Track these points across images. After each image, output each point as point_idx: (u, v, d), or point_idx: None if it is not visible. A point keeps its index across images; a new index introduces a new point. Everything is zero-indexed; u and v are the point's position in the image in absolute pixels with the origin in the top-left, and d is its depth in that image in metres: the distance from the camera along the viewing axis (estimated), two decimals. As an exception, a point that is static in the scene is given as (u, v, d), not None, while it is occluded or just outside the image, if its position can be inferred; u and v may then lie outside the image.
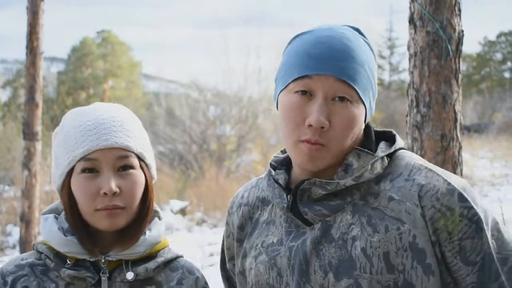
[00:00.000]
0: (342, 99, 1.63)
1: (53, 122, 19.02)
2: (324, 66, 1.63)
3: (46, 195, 14.08)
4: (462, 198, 1.61)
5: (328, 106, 1.63)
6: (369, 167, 1.66)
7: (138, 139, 1.88)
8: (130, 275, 1.85)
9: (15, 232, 14.17)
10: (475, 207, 1.61)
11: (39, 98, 7.04)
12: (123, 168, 1.84)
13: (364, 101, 1.67)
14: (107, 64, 32.16)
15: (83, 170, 1.82)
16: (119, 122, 1.86)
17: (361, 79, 1.65)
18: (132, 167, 1.85)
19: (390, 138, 1.78)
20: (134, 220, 1.87)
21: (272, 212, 1.80)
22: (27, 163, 7.05)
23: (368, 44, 1.73)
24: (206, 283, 1.97)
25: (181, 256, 1.98)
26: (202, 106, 23.96)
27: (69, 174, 1.84)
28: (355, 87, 1.64)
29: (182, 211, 15.82)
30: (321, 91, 1.63)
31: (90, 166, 1.81)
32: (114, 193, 1.80)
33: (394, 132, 1.78)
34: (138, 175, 1.85)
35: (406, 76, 36.94)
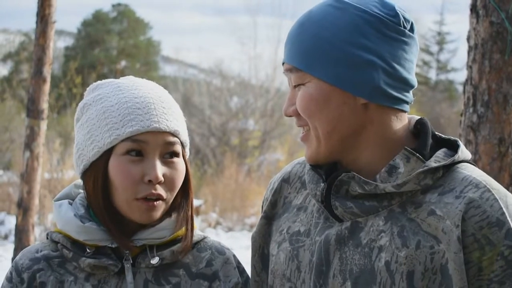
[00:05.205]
0: (297, 83, 1.71)
1: (59, 101, 19.12)
2: (284, 54, 1.74)
3: (48, 182, 14.16)
4: (510, 236, 1.56)
5: (295, 93, 1.72)
6: (415, 176, 1.63)
7: (183, 125, 1.94)
8: (155, 260, 1.88)
9: (8, 221, 14.27)
10: None
11: (47, 72, 7.06)
12: (169, 155, 1.88)
13: (321, 77, 1.66)
14: (121, 42, 32.24)
15: (128, 152, 1.85)
16: (168, 104, 1.90)
17: (311, 56, 1.67)
18: (177, 154, 1.89)
19: (454, 147, 1.71)
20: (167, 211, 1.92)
21: (308, 197, 1.79)
22: (29, 143, 7.05)
23: (362, 10, 1.66)
24: (239, 263, 1.99)
25: (207, 237, 2.01)
26: (225, 95, 23.97)
27: (107, 153, 1.87)
28: (299, 68, 1.68)
29: (196, 211, 15.88)
30: (290, 80, 1.73)
31: (137, 148, 1.85)
32: (159, 182, 1.84)
33: (459, 143, 1.71)
34: (181, 163, 1.90)
35: (454, 76, 36.72)
